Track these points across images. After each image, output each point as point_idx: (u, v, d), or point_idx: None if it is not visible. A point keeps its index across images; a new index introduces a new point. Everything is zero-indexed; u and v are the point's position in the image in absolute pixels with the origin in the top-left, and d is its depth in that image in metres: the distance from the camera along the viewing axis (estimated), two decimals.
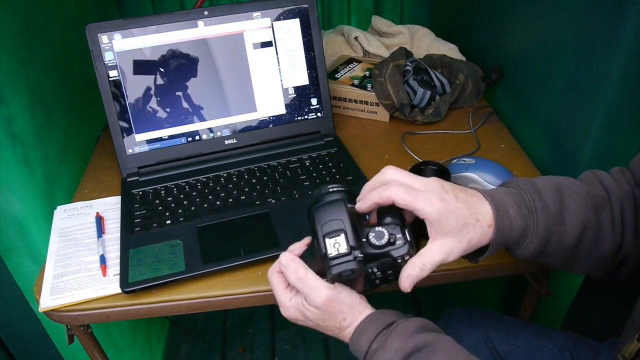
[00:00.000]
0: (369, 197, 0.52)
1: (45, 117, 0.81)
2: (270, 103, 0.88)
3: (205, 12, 0.82)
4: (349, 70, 1.04)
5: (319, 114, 0.91)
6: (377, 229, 0.51)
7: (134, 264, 0.67)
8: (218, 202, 0.77)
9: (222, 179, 0.82)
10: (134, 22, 0.79)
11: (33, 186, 0.76)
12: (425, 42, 1.15)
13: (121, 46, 0.80)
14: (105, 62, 0.79)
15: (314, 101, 0.90)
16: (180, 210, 0.76)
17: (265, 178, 0.82)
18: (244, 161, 0.86)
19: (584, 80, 0.73)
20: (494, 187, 0.76)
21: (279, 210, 0.75)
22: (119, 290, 0.65)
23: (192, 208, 0.76)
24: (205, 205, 0.77)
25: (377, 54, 1.12)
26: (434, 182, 0.51)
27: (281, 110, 0.89)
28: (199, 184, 0.81)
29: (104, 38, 0.79)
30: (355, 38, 1.12)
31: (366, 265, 0.51)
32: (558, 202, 0.53)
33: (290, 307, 0.53)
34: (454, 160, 0.82)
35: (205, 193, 0.79)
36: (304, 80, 0.89)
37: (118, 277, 0.66)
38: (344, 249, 0.50)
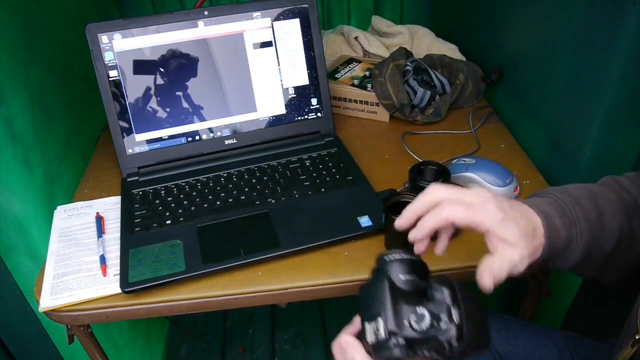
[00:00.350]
0: (423, 225, 0.49)
1: (45, 117, 0.81)
2: (270, 103, 0.88)
3: (205, 12, 0.82)
4: (349, 70, 1.04)
5: (319, 114, 0.91)
6: (418, 310, 0.45)
7: (134, 264, 0.67)
8: (218, 202, 0.77)
9: (222, 179, 0.82)
10: (134, 22, 0.79)
11: (33, 186, 0.76)
12: (425, 42, 1.15)
13: (121, 46, 0.80)
14: (105, 62, 0.79)
15: (314, 101, 0.90)
16: (180, 210, 0.76)
17: (265, 178, 0.82)
18: (244, 161, 0.86)
19: (584, 80, 0.73)
20: (494, 187, 0.76)
21: (279, 210, 0.75)
22: (119, 290, 0.65)
23: (192, 208, 0.76)
24: (205, 205, 0.77)
25: (377, 54, 1.12)
26: (485, 192, 0.48)
27: (281, 110, 0.89)
28: (199, 184, 0.81)
29: (104, 38, 0.79)
30: (355, 38, 1.12)
31: (415, 348, 0.45)
32: (596, 209, 0.51)
33: None
34: (454, 160, 0.82)
35: (205, 193, 0.79)
36: (304, 80, 0.89)
37: (118, 277, 0.66)
38: (382, 335, 0.44)
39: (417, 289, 0.47)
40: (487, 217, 0.46)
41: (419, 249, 0.52)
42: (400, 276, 0.47)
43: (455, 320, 0.44)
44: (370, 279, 0.47)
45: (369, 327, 0.46)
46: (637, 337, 0.50)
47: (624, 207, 0.52)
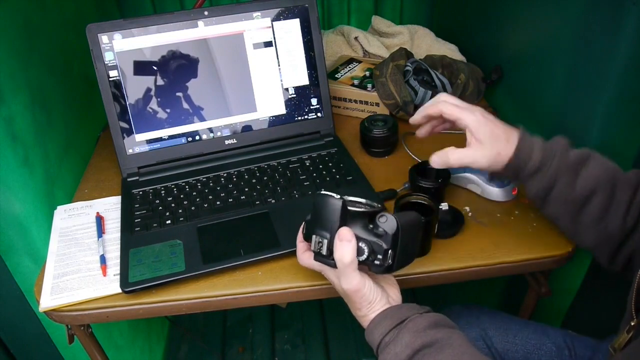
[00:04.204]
0: (421, 110, 0.65)
1: (46, 117, 0.81)
2: (270, 103, 0.88)
3: (206, 12, 0.82)
4: (349, 70, 1.04)
5: (319, 114, 0.91)
6: (360, 244, 0.52)
7: (134, 263, 0.67)
8: (218, 202, 0.77)
9: (222, 179, 0.82)
10: (134, 22, 0.79)
11: (33, 186, 0.76)
12: (425, 43, 1.15)
13: (121, 46, 0.80)
14: (106, 62, 0.79)
15: (314, 101, 0.90)
16: (180, 210, 0.76)
17: (265, 178, 0.82)
18: (244, 161, 0.86)
19: (584, 80, 0.73)
20: (493, 187, 0.76)
21: (279, 210, 0.75)
22: (119, 290, 0.65)
23: (192, 208, 0.76)
24: (206, 205, 0.77)
25: (377, 54, 1.12)
26: (480, 108, 0.62)
27: (281, 110, 0.89)
28: (199, 184, 0.81)
29: (104, 38, 0.79)
30: (356, 38, 1.12)
31: None
32: (581, 158, 0.58)
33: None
34: None
35: (205, 193, 0.79)
36: (304, 80, 0.89)
37: (118, 277, 0.66)
38: (324, 251, 0.53)
39: (367, 214, 0.54)
40: (469, 117, 0.60)
41: (419, 132, 0.70)
42: (348, 206, 0.53)
43: (389, 261, 0.52)
44: (326, 195, 0.54)
45: (315, 239, 0.54)
46: (632, 324, 0.51)
47: (615, 174, 0.57)
